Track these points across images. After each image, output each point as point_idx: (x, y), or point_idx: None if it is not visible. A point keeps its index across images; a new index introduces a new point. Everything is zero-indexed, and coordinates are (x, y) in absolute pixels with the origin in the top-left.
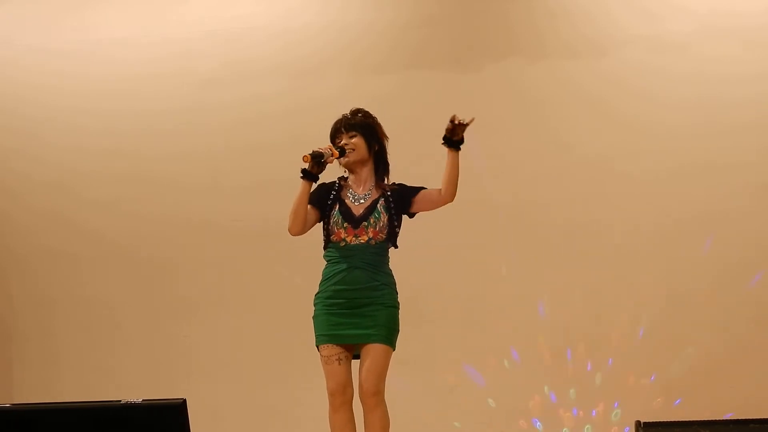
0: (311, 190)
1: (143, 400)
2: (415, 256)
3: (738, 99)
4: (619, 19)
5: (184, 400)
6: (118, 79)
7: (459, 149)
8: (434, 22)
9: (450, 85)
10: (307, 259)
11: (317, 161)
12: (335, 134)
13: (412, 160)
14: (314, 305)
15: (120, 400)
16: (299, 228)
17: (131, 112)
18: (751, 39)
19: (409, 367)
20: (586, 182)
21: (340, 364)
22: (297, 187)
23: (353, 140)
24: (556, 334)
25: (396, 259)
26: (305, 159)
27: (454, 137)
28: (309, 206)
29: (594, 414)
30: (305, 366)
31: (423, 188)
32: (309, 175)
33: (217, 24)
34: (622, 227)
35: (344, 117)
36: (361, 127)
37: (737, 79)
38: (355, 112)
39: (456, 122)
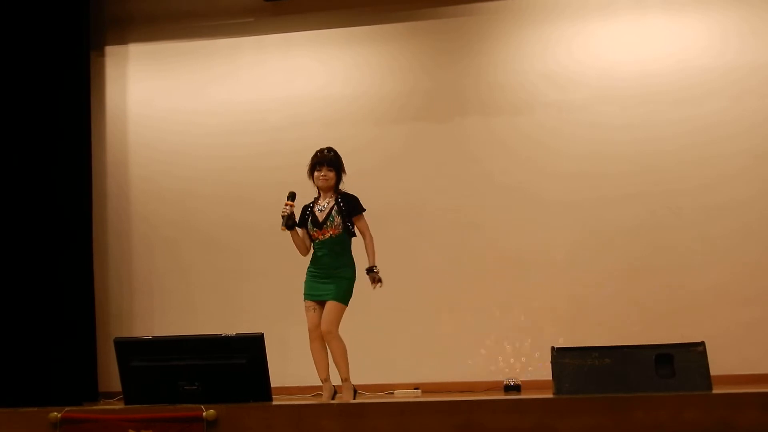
0: (296, 227)
1: (236, 334)
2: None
3: (616, 151)
4: (532, 89)
5: (262, 334)
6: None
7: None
8: (426, 91)
9: (430, 131)
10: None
11: (289, 224)
12: (314, 167)
13: (413, 173)
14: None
15: (220, 333)
16: (303, 252)
17: (231, 146)
18: (625, 103)
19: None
20: (501, 204)
21: (314, 312)
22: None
23: (329, 173)
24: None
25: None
26: (283, 229)
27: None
28: (300, 230)
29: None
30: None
31: (362, 213)
32: (290, 228)
33: (286, 92)
34: (530, 239)
35: (320, 155)
36: (333, 163)
37: (615, 137)
38: (329, 150)
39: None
